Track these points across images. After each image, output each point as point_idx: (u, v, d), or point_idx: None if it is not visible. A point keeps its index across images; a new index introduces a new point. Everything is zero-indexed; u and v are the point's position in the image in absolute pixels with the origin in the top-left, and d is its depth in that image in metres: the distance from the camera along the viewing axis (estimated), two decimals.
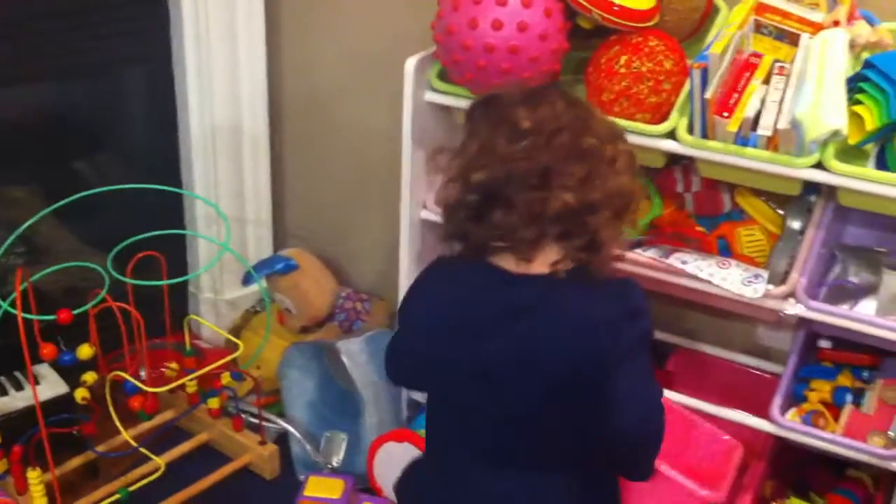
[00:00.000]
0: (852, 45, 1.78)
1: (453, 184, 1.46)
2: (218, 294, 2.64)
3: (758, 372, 2.20)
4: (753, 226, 2.01)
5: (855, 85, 1.73)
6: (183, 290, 2.65)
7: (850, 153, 1.77)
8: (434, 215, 2.13)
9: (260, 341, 2.49)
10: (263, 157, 2.55)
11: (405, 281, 2.19)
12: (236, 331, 2.59)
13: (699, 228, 2.04)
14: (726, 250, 2.01)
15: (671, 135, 1.84)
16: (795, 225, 1.93)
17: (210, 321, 2.62)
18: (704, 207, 2.05)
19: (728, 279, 1.87)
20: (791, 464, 2.11)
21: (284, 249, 2.58)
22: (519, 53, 1.83)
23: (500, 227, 1.40)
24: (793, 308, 1.84)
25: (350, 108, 2.48)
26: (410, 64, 1.99)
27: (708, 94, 1.74)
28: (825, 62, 1.72)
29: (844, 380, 2.00)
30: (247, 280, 2.47)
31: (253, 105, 2.46)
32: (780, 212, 1.99)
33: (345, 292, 2.55)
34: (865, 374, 2.01)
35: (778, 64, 1.81)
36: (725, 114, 1.77)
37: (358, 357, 2.22)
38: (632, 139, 1.83)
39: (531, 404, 1.42)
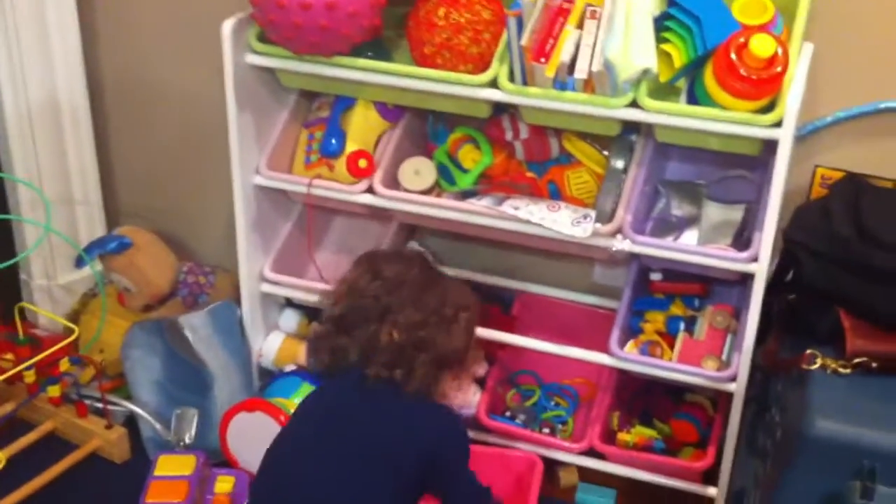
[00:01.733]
0: None
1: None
2: (51, 279, 2.54)
3: (598, 309, 2.27)
4: (581, 168, 2.06)
5: (662, 24, 1.79)
6: (14, 279, 2.55)
7: (664, 91, 1.83)
8: (267, 180, 2.11)
9: (100, 323, 2.43)
10: (86, 133, 2.45)
11: (245, 249, 2.16)
12: (75, 316, 2.51)
13: (530, 174, 2.08)
14: (557, 194, 2.06)
15: (493, 84, 1.87)
16: (619, 164, 1.98)
17: (46, 308, 2.53)
18: (533, 154, 2.09)
19: (558, 221, 1.91)
20: (634, 394, 2.19)
21: (118, 228, 2.50)
22: (336, 9, 1.81)
23: (340, 349, 1.70)
24: (620, 244, 1.90)
25: (173, 75, 2.41)
26: (227, 26, 1.95)
27: (523, 41, 1.77)
28: (632, 3, 1.77)
29: (677, 309, 2.08)
30: (79, 262, 2.38)
31: (69, 78, 2.36)
32: (606, 153, 2.05)
33: (186, 266, 2.49)
34: (696, 302, 2.10)
35: (590, 8, 1.84)
36: (543, 59, 1.80)
37: (202, 331, 2.19)
38: (455, 90, 1.86)
39: None
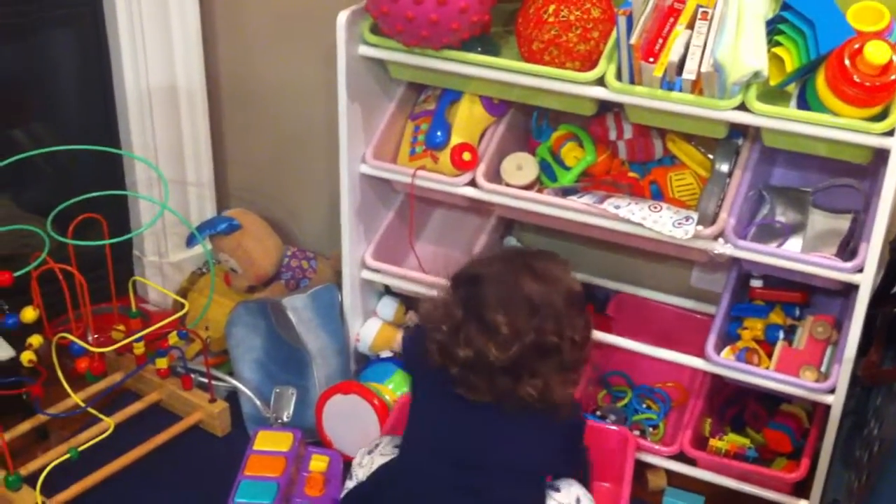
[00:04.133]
0: None
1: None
2: (163, 257, 2.65)
3: (694, 314, 2.26)
4: (684, 170, 2.05)
5: (774, 27, 1.77)
6: (127, 254, 2.66)
7: (774, 95, 1.81)
8: (373, 169, 2.15)
9: (206, 301, 2.51)
10: (201, 116, 2.54)
11: (348, 236, 2.21)
12: (183, 293, 2.60)
13: (632, 174, 2.08)
14: (658, 195, 2.05)
15: (600, 82, 1.87)
16: (724, 168, 1.97)
17: (156, 284, 2.63)
18: (637, 154, 2.09)
19: (659, 222, 1.91)
20: (727, 401, 2.17)
21: (227, 210, 2.58)
22: (447, 4, 1.85)
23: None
24: (722, 247, 1.89)
25: (285, 65, 2.47)
26: (342, 18, 2.00)
27: (633, 40, 1.77)
28: (744, 5, 1.76)
29: (776, 317, 2.05)
30: (190, 241, 2.47)
31: (188, 63, 2.45)
32: (710, 156, 2.04)
33: (290, 251, 2.56)
34: (797, 311, 2.07)
35: (701, 9, 1.83)
36: (651, 59, 1.80)
37: (303, 313, 2.24)
38: (561, 87, 1.88)
39: None
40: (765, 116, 1.76)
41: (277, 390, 2.23)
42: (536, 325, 1.58)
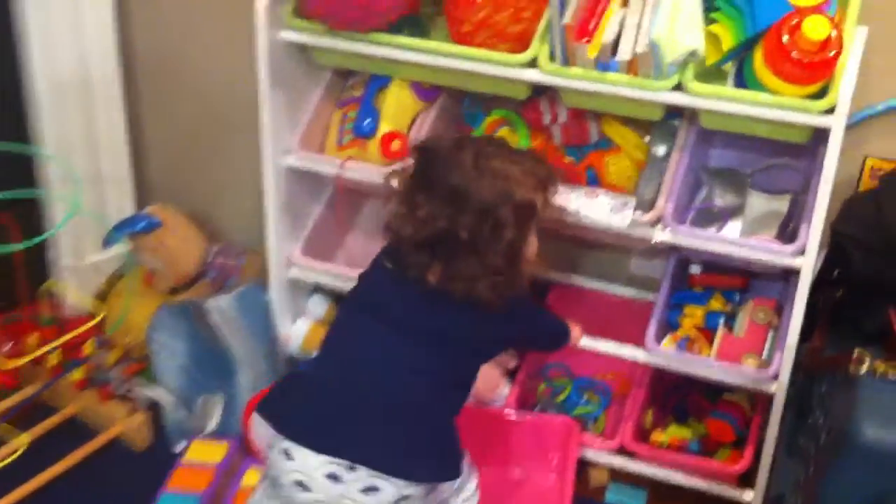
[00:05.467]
0: None
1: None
2: (80, 259, 2.51)
3: (634, 301, 2.20)
4: (621, 154, 1.99)
5: (711, 4, 1.72)
6: (41, 258, 2.52)
7: (711, 74, 1.76)
8: (299, 161, 2.06)
9: (126, 304, 2.39)
10: (117, 109, 2.41)
11: (274, 232, 2.12)
12: (102, 296, 2.47)
13: (568, 159, 2.02)
14: (595, 180, 1.99)
15: (533, 64, 1.80)
16: (660, 151, 1.91)
17: (74, 288, 2.50)
18: (572, 138, 2.02)
19: (596, 209, 1.85)
20: (669, 391, 2.12)
21: (148, 206, 2.46)
22: None
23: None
24: (661, 234, 1.84)
25: (206, 51, 2.36)
26: (262, 0, 1.90)
27: (566, 20, 1.70)
28: None
29: (716, 304, 2.01)
30: (107, 242, 2.35)
31: (102, 53, 2.32)
32: (647, 139, 1.98)
33: (216, 247, 2.45)
34: (737, 296, 2.02)
35: None
36: (585, 39, 1.74)
37: (228, 314, 2.15)
38: (493, 70, 1.80)
39: None
40: (702, 97, 1.71)
41: (203, 398, 2.13)
42: (450, 214, 1.52)
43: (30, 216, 2.41)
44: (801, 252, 1.75)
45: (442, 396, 1.63)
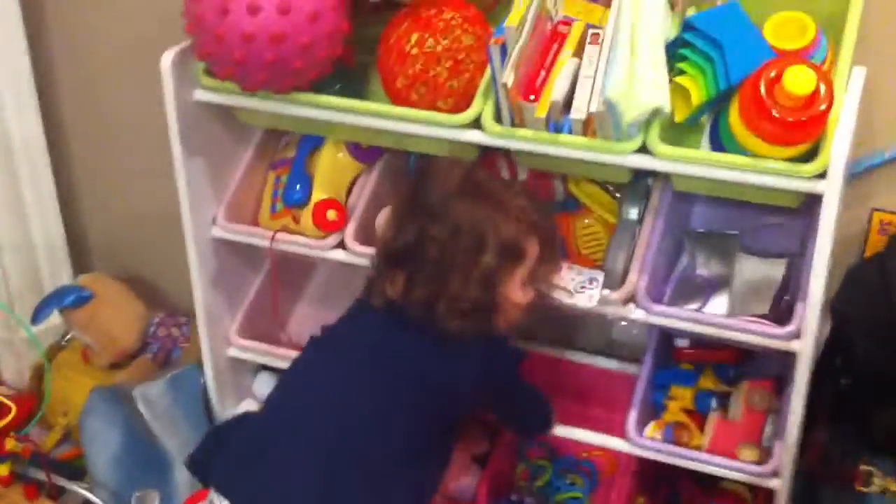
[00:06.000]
0: (673, 1, 1.50)
1: None
2: (14, 332, 2.30)
3: (616, 373, 1.94)
4: (590, 216, 1.74)
5: (676, 52, 1.46)
6: None
7: (682, 129, 1.50)
8: (227, 233, 1.82)
9: (65, 384, 2.18)
10: (44, 168, 2.19)
11: (204, 311, 1.88)
12: (39, 372, 2.26)
13: None
14: (561, 245, 1.73)
15: (477, 124, 1.55)
16: (632, 213, 1.65)
17: (10, 363, 2.29)
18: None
19: (559, 287, 1.59)
20: (660, 476, 1.86)
21: (80, 277, 2.24)
22: (284, 41, 1.51)
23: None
24: (634, 313, 1.58)
25: (133, 107, 2.13)
26: (167, 59, 1.66)
27: (505, 78, 1.44)
28: (638, 27, 1.43)
29: (707, 382, 1.75)
30: (35, 317, 2.14)
31: (20, 107, 2.11)
32: (619, 195, 1.72)
33: (157, 317, 2.23)
34: (731, 372, 1.76)
35: (592, 30, 1.52)
36: (532, 97, 1.48)
37: (160, 404, 1.93)
38: (431, 132, 1.56)
39: None
40: (669, 160, 1.45)
41: (138, 494, 1.90)
42: (421, 226, 1.44)
43: None
44: (797, 335, 1.49)
45: (398, 464, 1.47)
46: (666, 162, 1.45)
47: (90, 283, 2.17)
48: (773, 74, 1.34)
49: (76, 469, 2.04)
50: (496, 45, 1.46)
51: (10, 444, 1.93)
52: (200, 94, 1.71)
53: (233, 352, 1.94)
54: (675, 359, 1.80)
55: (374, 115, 1.60)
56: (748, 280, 1.65)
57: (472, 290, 1.42)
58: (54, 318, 2.23)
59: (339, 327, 1.59)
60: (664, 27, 1.45)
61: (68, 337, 2.27)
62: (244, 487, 1.47)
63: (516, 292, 1.47)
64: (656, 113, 1.42)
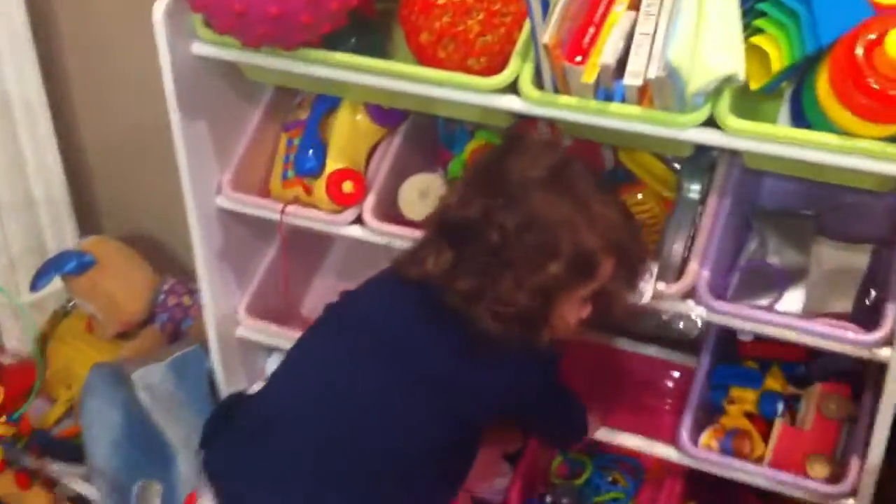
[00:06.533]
0: None
1: None
2: (15, 297, 2.13)
3: (667, 361, 1.73)
4: (644, 190, 1.51)
5: (752, 5, 1.21)
6: None
7: (756, 94, 1.26)
8: (232, 203, 1.63)
9: (69, 351, 2.03)
10: (44, 122, 2.01)
11: (210, 287, 1.70)
12: (43, 339, 2.10)
13: None
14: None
15: (513, 88, 1.33)
16: (693, 191, 1.43)
17: (10, 329, 2.13)
18: None
19: None
20: (714, 484, 1.66)
21: (83, 240, 2.06)
22: None
23: None
24: (694, 310, 1.37)
25: (136, 58, 1.91)
26: (159, 10, 1.44)
27: (547, 38, 1.21)
28: None
29: (773, 382, 1.53)
30: (34, 285, 1.97)
31: (17, 59, 1.92)
32: (677, 167, 1.50)
33: (167, 284, 2.05)
34: (801, 368, 1.55)
35: None
36: (578, 58, 1.25)
37: (162, 389, 1.76)
38: (459, 96, 1.34)
39: None
40: (742, 137, 1.22)
41: (139, 486, 1.75)
42: (488, 205, 1.22)
43: None
44: (889, 341, 1.27)
45: (406, 473, 1.29)
46: (739, 139, 1.21)
47: (92, 247, 2.00)
48: (872, 37, 1.10)
49: (77, 449, 1.89)
50: None
51: (1, 429, 1.78)
52: (198, 48, 1.49)
53: (241, 331, 1.76)
54: (738, 355, 1.58)
55: (395, 75, 1.38)
56: (827, 270, 1.42)
57: (523, 296, 1.21)
58: (57, 283, 2.07)
59: (362, 298, 1.39)
60: None
61: (73, 304, 2.11)
62: (231, 489, 1.32)
63: (572, 310, 1.27)
64: (728, 81, 1.18)
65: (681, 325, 1.66)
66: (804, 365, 1.54)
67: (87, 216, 2.19)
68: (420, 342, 1.30)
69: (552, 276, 1.20)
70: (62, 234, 2.13)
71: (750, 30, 1.22)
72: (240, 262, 1.74)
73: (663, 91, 1.22)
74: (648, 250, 1.38)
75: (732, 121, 1.20)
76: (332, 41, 1.41)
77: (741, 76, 1.18)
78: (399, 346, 1.30)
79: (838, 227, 1.45)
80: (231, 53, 1.47)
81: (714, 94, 1.21)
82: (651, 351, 1.71)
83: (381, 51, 1.49)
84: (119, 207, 2.20)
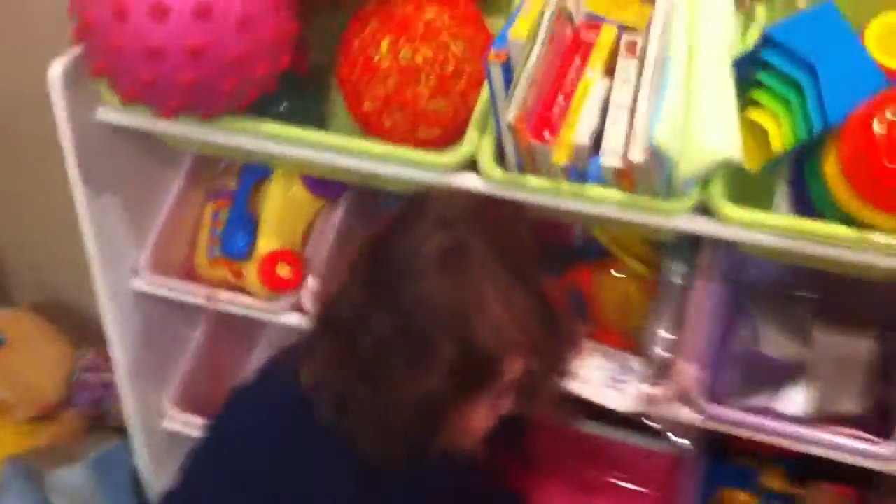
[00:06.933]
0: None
1: None
2: None
3: (649, 451, 1.55)
4: (619, 268, 1.33)
5: (750, 73, 1.04)
6: None
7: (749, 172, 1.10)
8: (152, 287, 1.42)
9: None
10: None
11: (127, 378, 1.48)
12: None
13: None
14: (580, 307, 1.34)
15: (472, 165, 1.14)
16: (677, 274, 1.25)
17: None
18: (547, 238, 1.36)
19: (584, 377, 1.20)
20: None
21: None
22: (204, 55, 1.10)
23: None
24: (683, 415, 1.20)
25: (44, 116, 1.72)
26: (56, 70, 1.23)
27: (511, 116, 1.03)
28: (697, 38, 1.02)
29: (770, 480, 1.37)
30: None
31: None
32: (657, 242, 1.32)
33: (85, 358, 1.84)
34: (801, 467, 1.38)
35: (627, 37, 1.10)
36: (547, 133, 1.07)
37: (80, 495, 1.54)
38: (407, 174, 1.16)
39: None
40: (741, 227, 1.04)
41: None
42: (362, 304, 1.02)
43: None
44: None
45: None
46: (735, 228, 1.04)
47: (3, 324, 1.79)
48: (890, 115, 0.93)
49: None
50: (497, 61, 1.05)
51: None
52: (103, 114, 1.29)
53: (168, 424, 1.56)
54: (728, 453, 1.40)
55: (333, 149, 1.19)
56: (829, 362, 1.25)
57: (400, 414, 1.00)
58: None
59: (246, 400, 1.18)
60: (731, 37, 1.03)
61: None
62: None
63: (477, 416, 1.04)
64: (723, 164, 1.01)
65: None
66: (804, 461, 1.37)
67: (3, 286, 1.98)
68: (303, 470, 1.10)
69: (430, 391, 0.97)
70: None
71: (745, 99, 1.05)
72: (163, 348, 1.53)
73: (648, 173, 1.04)
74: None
75: (729, 209, 1.03)
76: (259, 105, 1.22)
77: (738, 159, 1.00)
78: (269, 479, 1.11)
79: (838, 308, 1.29)
80: (142, 121, 1.26)
81: (703, 179, 1.04)
82: (621, 437, 1.52)
83: (317, 114, 1.30)
84: (30, 275, 1.98)
